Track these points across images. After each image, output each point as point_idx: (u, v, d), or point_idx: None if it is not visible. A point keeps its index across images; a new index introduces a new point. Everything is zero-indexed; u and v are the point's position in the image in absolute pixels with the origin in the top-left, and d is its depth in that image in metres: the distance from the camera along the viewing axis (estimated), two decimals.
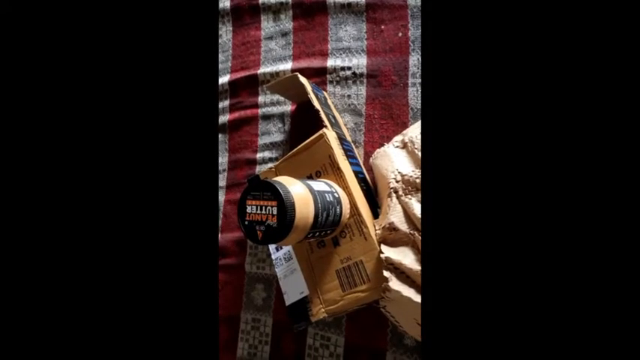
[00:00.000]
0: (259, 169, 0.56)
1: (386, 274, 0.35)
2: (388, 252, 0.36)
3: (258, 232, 0.31)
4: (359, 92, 0.51)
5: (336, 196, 0.37)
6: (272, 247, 0.45)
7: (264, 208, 0.31)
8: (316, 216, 0.33)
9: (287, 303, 0.42)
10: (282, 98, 0.56)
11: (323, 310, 0.39)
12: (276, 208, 0.30)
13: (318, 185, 0.35)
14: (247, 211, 0.32)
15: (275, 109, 0.56)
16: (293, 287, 0.42)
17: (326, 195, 0.35)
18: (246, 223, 0.32)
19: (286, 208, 0.30)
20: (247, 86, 0.58)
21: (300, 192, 0.32)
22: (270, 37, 0.58)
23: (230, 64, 0.61)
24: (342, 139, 0.44)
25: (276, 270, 0.44)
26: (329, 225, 0.35)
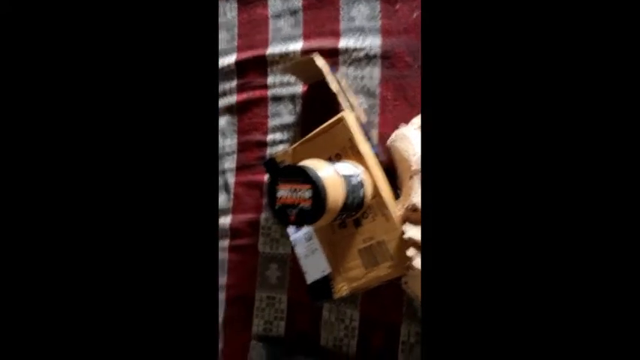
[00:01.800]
0: (270, 151, 0.56)
1: (409, 253, 0.36)
2: (411, 232, 0.37)
3: (290, 216, 0.32)
4: (373, 74, 0.51)
5: (360, 179, 0.37)
6: (291, 228, 0.46)
7: (296, 191, 0.32)
8: (345, 199, 0.34)
9: (308, 281, 0.44)
10: (292, 79, 0.55)
11: (345, 287, 0.41)
12: (309, 191, 0.31)
13: (344, 168, 0.36)
14: (278, 195, 0.32)
15: (285, 91, 0.56)
16: (314, 266, 0.43)
17: (352, 178, 0.36)
18: (277, 207, 0.33)
19: (320, 192, 0.31)
20: (255, 66, 0.57)
21: (331, 175, 0.33)
22: (279, 16, 0.56)
23: (236, 44, 0.59)
24: (361, 123, 0.45)
25: (296, 250, 0.45)
26: (354, 207, 0.36)
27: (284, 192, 0.32)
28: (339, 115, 0.42)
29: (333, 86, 0.43)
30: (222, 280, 0.59)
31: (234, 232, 0.58)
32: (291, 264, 0.54)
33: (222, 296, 0.59)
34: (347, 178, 0.35)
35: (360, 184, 0.37)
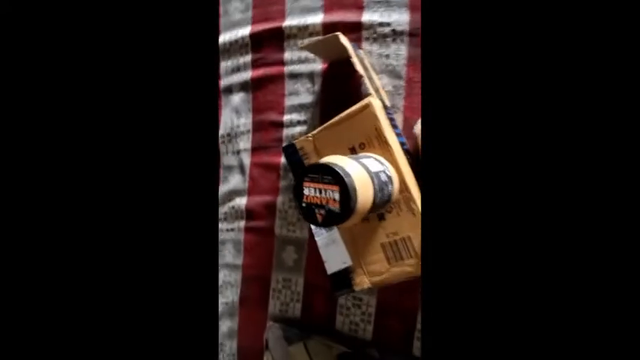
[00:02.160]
0: (287, 132, 0.54)
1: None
2: None
3: (318, 215, 0.31)
4: (399, 52, 0.47)
5: (388, 174, 0.36)
6: None
7: (324, 191, 0.30)
8: (374, 198, 0.32)
9: (328, 272, 0.43)
10: (311, 55, 0.52)
11: (367, 280, 0.41)
12: (337, 193, 0.29)
13: (372, 164, 0.34)
14: (305, 193, 0.31)
15: (303, 68, 0.52)
16: (334, 257, 0.43)
17: (380, 175, 0.34)
18: (304, 204, 0.31)
19: (350, 194, 0.29)
20: (271, 40, 0.54)
21: (360, 176, 0.31)
22: None
23: (251, 14, 0.55)
24: (385, 107, 0.42)
25: (317, 239, 0.44)
26: (383, 204, 0.35)
27: (310, 191, 0.30)
28: (365, 101, 0.39)
29: (359, 68, 0.40)
30: (239, 260, 0.59)
31: (249, 213, 0.57)
32: (308, 247, 0.54)
33: (238, 276, 0.59)
34: (376, 176, 0.33)
35: (389, 180, 0.35)
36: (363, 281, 0.41)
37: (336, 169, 0.29)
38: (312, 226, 0.45)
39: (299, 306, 0.55)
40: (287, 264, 0.55)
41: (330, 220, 0.30)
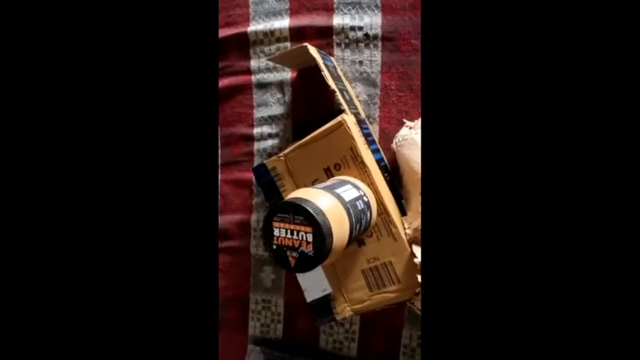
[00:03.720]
0: (258, 146, 0.50)
1: (421, 278, 0.33)
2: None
3: (290, 259, 0.28)
4: (373, 58, 0.44)
5: (366, 200, 0.33)
6: None
7: (296, 233, 0.27)
8: (351, 232, 0.29)
9: (308, 300, 0.41)
10: (278, 64, 0.48)
11: (349, 308, 0.38)
12: (311, 234, 0.26)
13: (348, 192, 0.31)
14: (275, 233, 0.28)
15: (272, 77, 0.48)
16: (314, 284, 0.40)
17: (357, 203, 0.31)
18: (275, 246, 0.28)
19: (324, 236, 0.26)
20: (236, 47, 0.49)
21: (334, 211, 0.28)
22: None
23: None
24: (360, 122, 0.39)
25: None
26: (360, 235, 0.32)
27: (281, 231, 0.28)
28: (338, 119, 0.36)
29: (331, 83, 0.37)
30: None
31: (223, 233, 0.54)
32: None
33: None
34: (352, 206, 0.30)
35: (367, 206, 0.33)
36: (344, 309, 0.39)
37: (308, 207, 0.26)
38: None
39: (280, 327, 0.53)
40: (265, 284, 0.53)
41: (304, 264, 0.27)
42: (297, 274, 0.41)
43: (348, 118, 0.36)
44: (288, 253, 0.28)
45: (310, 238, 0.26)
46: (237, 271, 0.54)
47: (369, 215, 0.33)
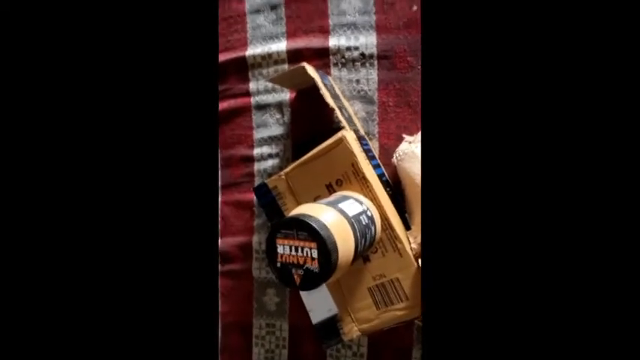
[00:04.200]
0: (258, 166, 0.50)
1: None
2: None
3: (295, 277, 0.27)
4: (369, 76, 0.45)
5: (369, 214, 0.33)
6: None
7: (300, 249, 0.27)
8: (356, 247, 0.29)
9: (313, 321, 0.39)
10: (277, 85, 0.49)
11: (356, 328, 0.37)
12: (316, 250, 0.26)
13: (351, 207, 0.31)
14: (279, 251, 0.27)
15: (271, 98, 0.49)
16: (319, 305, 0.39)
17: (361, 218, 0.31)
18: (279, 264, 0.27)
19: (329, 251, 0.26)
20: (235, 70, 0.50)
21: (339, 226, 0.28)
22: (257, 11, 0.49)
23: None
24: (360, 138, 0.39)
25: None
26: (366, 250, 0.32)
27: (285, 249, 0.27)
28: (338, 135, 0.36)
29: (330, 100, 0.37)
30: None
31: (224, 256, 0.53)
32: (291, 289, 0.50)
33: (216, 325, 0.54)
34: (356, 220, 0.30)
35: (371, 221, 0.32)
36: (351, 330, 0.37)
37: (312, 223, 0.26)
38: None
39: (285, 352, 0.51)
40: (269, 308, 0.51)
41: (310, 281, 0.26)
42: (301, 295, 0.40)
43: (348, 135, 0.36)
44: (293, 270, 0.27)
45: (315, 254, 0.26)
46: (239, 295, 0.53)
47: (373, 230, 0.32)
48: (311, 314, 0.39)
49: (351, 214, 0.30)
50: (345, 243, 0.27)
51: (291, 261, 0.27)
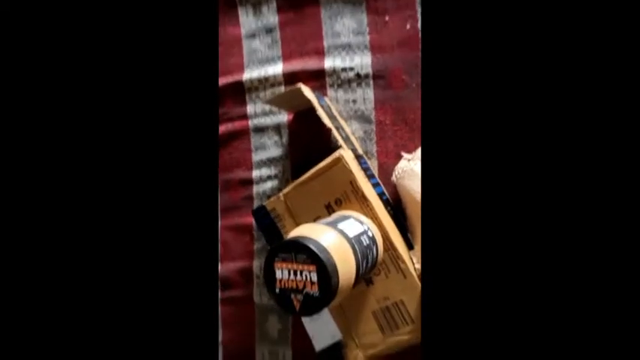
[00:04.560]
0: (257, 189, 0.50)
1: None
2: None
3: (295, 302, 0.26)
4: (366, 96, 0.45)
5: (370, 235, 0.32)
6: None
7: (299, 273, 0.26)
8: (357, 269, 0.28)
9: (317, 348, 0.38)
10: (275, 107, 0.49)
11: (361, 355, 0.35)
12: (315, 274, 0.25)
13: (351, 227, 0.30)
14: (277, 276, 0.26)
15: (269, 120, 0.49)
16: (322, 331, 0.38)
17: (362, 239, 0.30)
18: (278, 290, 0.26)
19: (329, 274, 0.25)
20: (232, 94, 0.51)
21: (338, 247, 0.27)
22: (253, 35, 0.50)
23: None
24: (358, 157, 0.39)
25: None
26: (368, 272, 0.31)
27: (283, 273, 0.26)
28: (336, 154, 0.36)
29: (326, 121, 0.37)
30: (218, 336, 0.52)
31: (225, 282, 0.52)
32: (293, 315, 0.48)
33: (218, 354, 0.52)
34: (357, 241, 0.29)
35: (372, 241, 0.31)
36: (356, 356, 0.36)
37: (310, 245, 0.25)
38: None
39: None
40: (271, 335, 0.49)
41: (310, 306, 0.25)
42: (303, 321, 0.39)
43: (346, 154, 0.36)
44: (292, 295, 0.26)
45: (315, 277, 0.25)
46: (241, 322, 0.51)
47: (375, 251, 0.31)
48: (314, 341, 0.38)
49: (351, 234, 0.29)
50: (345, 265, 0.26)
51: (290, 286, 0.26)
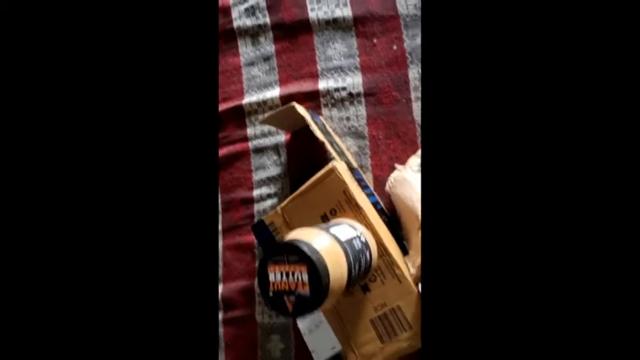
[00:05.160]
0: (257, 207, 0.51)
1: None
2: None
3: (287, 304, 0.26)
4: (358, 113, 0.47)
5: (363, 240, 0.32)
6: None
7: (291, 274, 0.26)
8: (350, 271, 0.28)
9: None
10: (273, 128, 0.51)
11: None
12: (306, 274, 0.26)
13: (343, 232, 0.31)
14: (270, 279, 0.27)
15: (267, 141, 0.51)
16: (322, 343, 0.37)
17: (354, 242, 0.31)
18: (271, 294, 0.27)
19: (319, 273, 0.25)
20: (233, 119, 0.53)
21: (329, 247, 0.28)
22: (252, 63, 0.53)
23: None
24: (352, 169, 0.40)
25: (299, 325, 0.39)
26: (361, 276, 0.31)
27: (276, 276, 0.27)
28: (329, 166, 0.37)
29: (319, 135, 0.39)
30: (220, 359, 0.52)
31: (227, 303, 0.52)
32: (295, 333, 0.48)
33: None
34: (349, 245, 0.30)
35: (365, 246, 0.32)
36: None
37: (300, 245, 0.26)
38: None
39: None
40: (274, 355, 0.49)
41: (302, 306, 0.26)
42: (304, 336, 0.39)
43: (339, 165, 0.37)
44: (285, 297, 0.26)
45: (306, 278, 0.26)
46: (243, 343, 0.51)
47: (368, 256, 0.32)
48: (314, 355, 0.38)
49: (343, 238, 0.30)
50: (336, 266, 0.27)
51: (282, 288, 0.27)
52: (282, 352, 0.48)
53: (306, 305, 0.26)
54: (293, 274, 0.26)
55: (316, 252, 0.26)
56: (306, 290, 0.26)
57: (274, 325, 0.49)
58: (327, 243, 0.28)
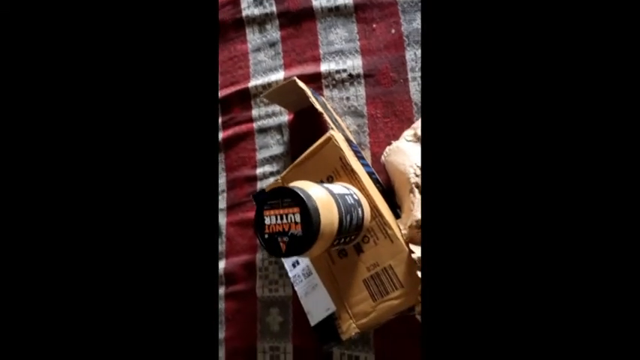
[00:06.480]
0: (260, 185, 0.53)
1: (420, 274, 0.32)
2: (419, 251, 0.33)
3: (281, 244, 0.28)
4: (358, 93, 0.49)
5: (356, 198, 0.34)
6: (288, 264, 0.42)
7: (285, 216, 0.28)
8: (340, 220, 0.30)
9: (312, 323, 0.38)
10: (277, 109, 0.53)
11: (354, 325, 0.36)
12: (299, 215, 0.27)
13: (336, 188, 0.33)
14: (266, 222, 0.29)
15: (271, 121, 0.54)
16: (317, 305, 0.39)
17: (346, 197, 0.32)
18: (266, 236, 0.29)
19: (311, 213, 0.27)
20: (239, 101, 0.56)
21: (322, 195, 0.29)
22: (258, 49, 0.56)
23: (219, 81, 0.58)
24: (349, 141, 0.42)
25: (296, 288, 0.40)
26: (353, 230, 0.33)
27: (271, 219, 0.29)
28: (326, 135, 0.39)
29: (318, 106, 0.41)
30: (221, 333, 0.53)
31: (229, 277, 0.53)
32: (293, 307, 0.49)
33: (221, 352, 0.53)
34: (341, 198, 0.31)
35: (357, 203, 0.34)
36: (349, 327, 0.36)
37: (294, 189, 0.28)
38: (290, 275, 0.41)
39: None
40: (273, 329, 0.50)
41: (295, 246, 0.27)
42: (300, 298, 0.40)
43: (336, 134, 0.39)
44: (279, 238, 0.28)
45: (298, 218, 0.27)
46: (243, 317, 0.52)
47: (360, 212, 0.33)
48: (309, 317, 0.39)
49: (336, 192, 0.32)
50: (327, 212, 0.29)
51: (277, 230, 0.28)
52: (280, 325, 0.50)
53: (298, 245, 0.27)
54: (287, 216, 0.28)
55: (309, 195, 0.28)
56: (298, 229, 0.27)
57: (273, 299, 0.50)
58: (321, 192, 0.30)
